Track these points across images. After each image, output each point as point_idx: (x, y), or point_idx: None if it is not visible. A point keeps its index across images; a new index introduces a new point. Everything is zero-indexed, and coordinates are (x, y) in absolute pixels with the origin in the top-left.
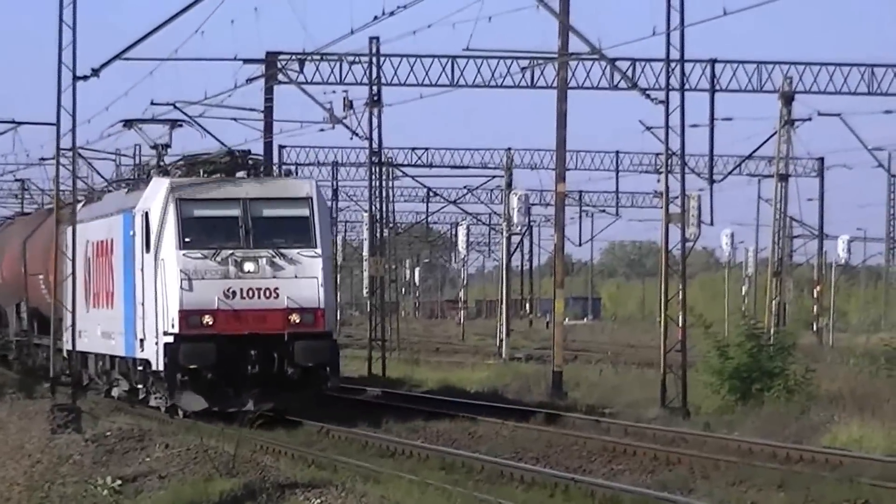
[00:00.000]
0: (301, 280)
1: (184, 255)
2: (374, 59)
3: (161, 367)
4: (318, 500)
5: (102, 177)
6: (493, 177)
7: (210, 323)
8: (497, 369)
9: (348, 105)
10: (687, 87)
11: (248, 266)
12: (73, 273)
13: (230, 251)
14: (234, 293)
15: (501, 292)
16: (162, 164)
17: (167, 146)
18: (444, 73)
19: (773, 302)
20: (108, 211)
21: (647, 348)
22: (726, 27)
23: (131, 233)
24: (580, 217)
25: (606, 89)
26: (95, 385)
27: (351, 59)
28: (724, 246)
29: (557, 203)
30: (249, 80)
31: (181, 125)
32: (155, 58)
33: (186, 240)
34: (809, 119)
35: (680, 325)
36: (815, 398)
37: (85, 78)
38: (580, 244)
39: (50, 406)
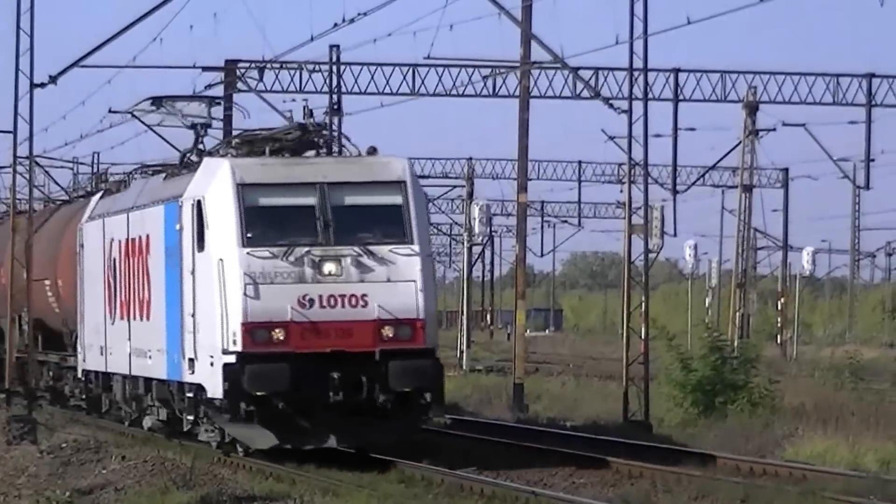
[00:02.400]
0: (395, 284)
1: (248, 253)
2: (335, 68)
3: (219, 395)
4: None
5: (59, 185)
6: (454, 186)
7: (282, 338)
8: (457, 381)
9: (308, 114)
10: (650, 96)
11: (329, 267)
12: (80, 277)
13: (306, 249)
14: (311, 301)
15: (462, 303)
16: (202, 146)
17: (207, 126)
18: (405, 82)
19: (737, 314)
20: (141, 202)
21: (609, 360)
22: (690, 36)
23: (177, 227)
24: (542, 227)
25: (569, 98)
26: (117, 412)
27: (311, 67)
28: (688, 257)
29: (519, 213)
30: (208, 88)
31: (219, 103)
32: (113, 65)
33: (251, 235)
34: (774, 129)
35: (642, 337)
36: (779, 411)
37: (42, 85)
38: (542, 255)
39: (6, 418)
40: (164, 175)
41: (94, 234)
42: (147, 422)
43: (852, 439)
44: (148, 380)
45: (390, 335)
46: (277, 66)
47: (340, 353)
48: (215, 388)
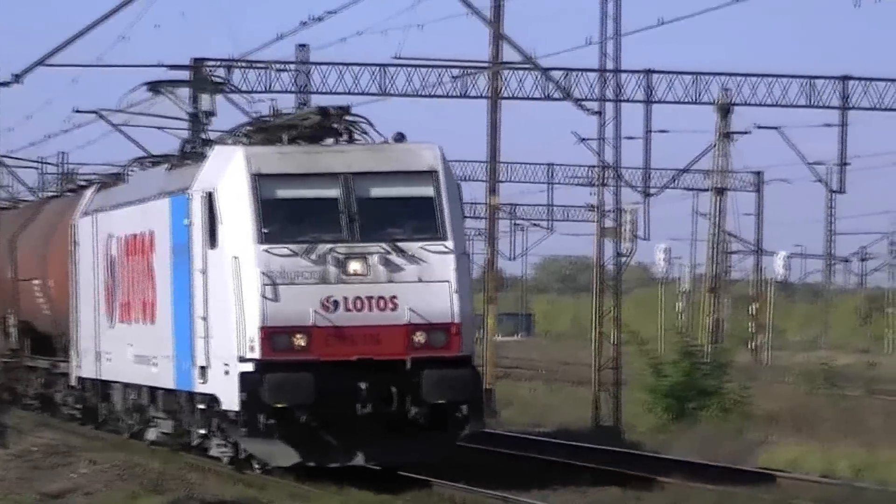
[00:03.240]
0: (427, 285)
1: (266, 251)
2: (303, 67)
3: (235, 407)
4: None
5: (25, 185)
6: None
7: (304, 345)
8: None
9: (275, 114)
10: (622, 98)
11: (355, 266)
12: (74, 276)
13: (329, 246)
14: (335, 303)
15: None
16: (205, 136)
17: (211, 113)
18: (374, 82)
19: (709, 319)
20: (144, 195)
21: (581, 366)
22: (663, 38)
23: (185, 221)
24: (512, 231)
25: (540, 100)
26: (115, 423)
27: (279, 66)
28: (660, 261)
29: (489, 216)
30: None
31: (223, 88)
32: (78, 64)
33: (269, 230)
34: (747, 132)
35: (613, 342)
36: (752, 418)
37: (6, 84)
38: (512, 258)
39: None
40: (167, 166)
41: (89, 231)
42: (150, 434)
43: (825, 446)
44: (153, 389)
45: (422, 341)
46: (245, 65)
47: (368, 361)
48: (231, 400)
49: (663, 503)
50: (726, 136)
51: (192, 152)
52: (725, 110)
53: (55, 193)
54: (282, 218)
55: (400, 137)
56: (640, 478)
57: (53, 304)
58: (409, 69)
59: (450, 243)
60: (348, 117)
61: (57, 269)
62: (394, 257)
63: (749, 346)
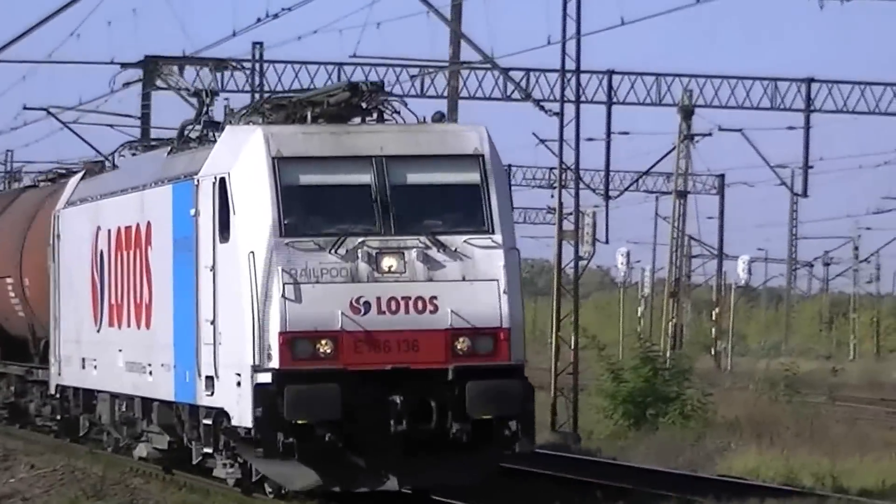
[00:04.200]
0: (472, 284)
1: (287, 245)
2: (258, 66)
3: (248, 423)
4: None
5: None
6: None
7: (329, 352)
8: None
9: (229, 112)
10: (583, 98)
11: (389, 262)
12: (55, 274)
13: (360, 239)
14: (366, 305)
15: None
16: (208, 116)
17: (215, 93)
18: (331, 81)
19: (670, 323)
20: (140, 182)
21: (538, 370)
22: (624, 38)
23: (191, 212)
24: None
25: (499, 100)
26: (98, 436)
27: (234, 64)
28: (620, 265)
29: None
30: (126, 85)
31: (227, 67)
32: (28, 60)
33: (291, 221)
34: (710, 134)
35: (572, 346)
36: (712, 424)
37: None
38: None
39: None
40: (168, 150)
41: (74, 223)
42: (141, 450)
43: (787, 453)
44: (147, 400)
45: (467, 348)
46: (198, 62)
47: (404, 370)
48: (243, 415)
49: None
50: (688, 138)
51: (200, 137)
52: (688, 112)
53: (31, 184)
54: (306, 207)
55: (440, 117)
56: (597, 485)
57: (29, 304)
58: (366, 68)
59: (498, 237)
60: (382, 94)
61: (34, 266)
62: (434, 253)
63: (710, 351)
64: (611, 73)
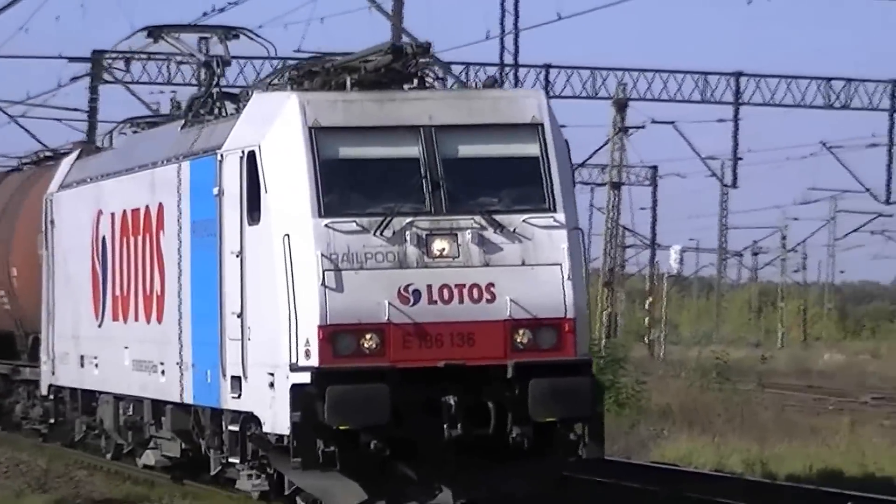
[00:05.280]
0: (533, 269)
1: (327, 226)
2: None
3: (284, 429)
4: None
5: None
6: None
7: (376, 348)
8: None
9: (175, 106)
10: None
11: (441, 245)
12: (48, 263)
13: (408, 219)
14: (416, 294)
15: None
16: (218, 88)
17: (226, 62)
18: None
19: (604, 313)
20: (148, 160)
21: None
22: (561, 33)
23: (215, 191)
24: None
25: None
26: (96, 440)
27: (179, 58)
28: None
29: None
30: (74, 79)
31: (237, 36)
32: None
33: (331, 200)
34: (643, 126)
35: None
36: (646, 412)
37: None
38: None
39: None
40: (181, 123)
41: (70, 207)
42: (148, 458)
43: (717, 440)
44: (158, 403)
45: (528, 341)
46: (145, 57)
47: (459, 367)
48: (277, 420)
49: (553, 498)
50: (622, 130)
51: (212, 109)
52: (622, 105)
53: (13, 167)
54: (347, 183)
55: (493, 82)
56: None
57: (16, 296)
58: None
59: (561, 216)
60: (429, 58)
61: (21, 256)
62: (490, 234)
63: (644, 340)
64: (547, 67)
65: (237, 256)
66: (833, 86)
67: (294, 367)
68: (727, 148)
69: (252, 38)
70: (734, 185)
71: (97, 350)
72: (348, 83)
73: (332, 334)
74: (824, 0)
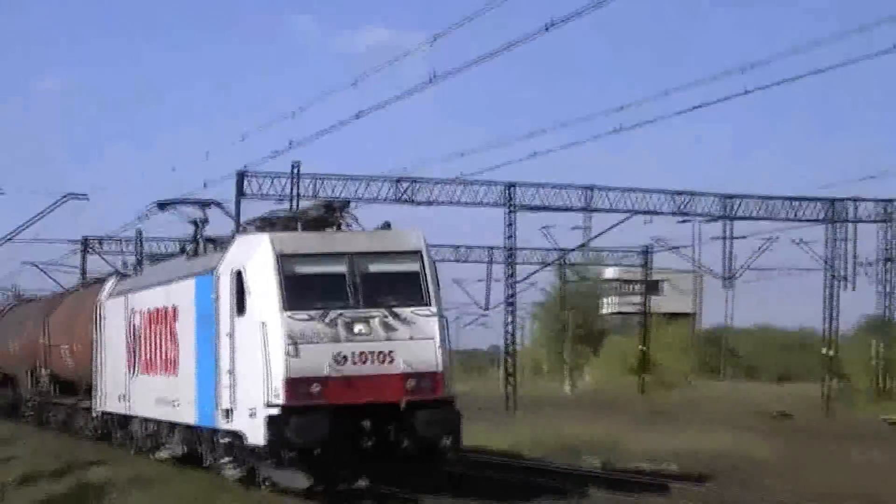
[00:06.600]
0: (417, 342)
1: (289, 316)
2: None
3: (261, 443)
4: None
5: None
6: None
7: (319, 392)
8: None
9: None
10: None
11: (359, 327)
12: (99, 339)
13: (339, 311)
14: (344, 358)
15: None
16: (200, 238)
17: (205, 221)
18: None
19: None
20: (166, 278)
21: None
22: None
23: (213, 296)
24: None
25: None
26: (124, 441)
27: (215, 203)
28: None
29: None
30: (74, 253)
31: (210, 206)
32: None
33: (291, 300)
34: None
35: None
36: None
37: None
38: None
39: None
40: (185, 256)
41: (113, 308)
42: (162, 454)
43: None
44: (172, 423)
45: (414, 387)
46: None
47: (372, 404)
48: (256, 437)
49: (433, 486)
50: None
51: (196, 248)
52: None
53: (75, 287)
54: (301, 289)
55: (386, 225)
56: None
57: (77, 360)
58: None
59: (434, 308)
60: (346, 212)
61: (80, 337)
62: (390, 320)
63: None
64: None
65: (229, 336)
66: None
67: (268, 404)
68: None
69: (220, 208)
70: None
71: (131, 391)
72: (299, 227)
73: (293, 384)
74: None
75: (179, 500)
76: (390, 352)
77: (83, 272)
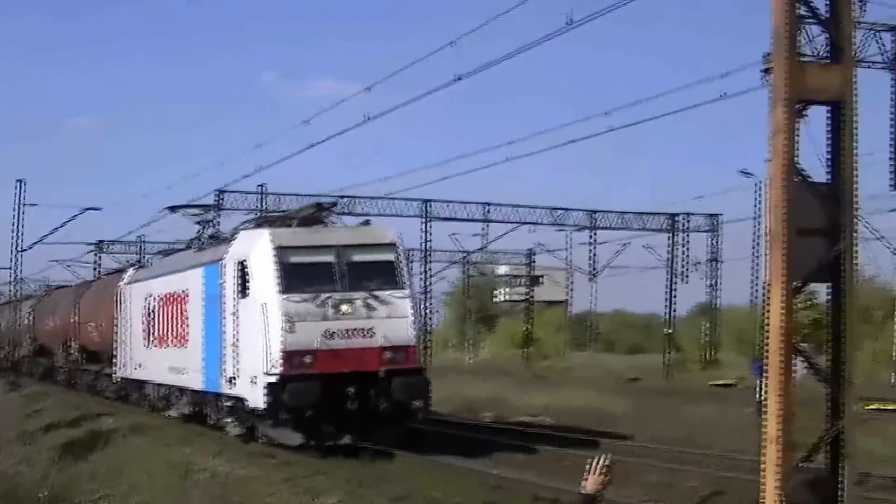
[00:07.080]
0: (393, 320)
1: (286, 299)
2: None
3: (261, 406)
4: None
5: None
6: None
7: (311, 362)
8: None
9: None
10: None
11: (345, 308)
12: (118, 320)
13: (327, 294)
14: (332, 334)
15: None
16: (205, 233)
17: (210, 222)
18: None
19: None
20: (177, 268)
21: None
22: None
23: (220, 281)
24: None
25: None
26: (140, 402)
27: (217, 207)
28: None
29: None
30: (88, 253)
31: (210, 209)
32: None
33: (287, 285)
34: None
35: None
36: None
37: None
38: None
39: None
40: (194, 249)
41: (133, 293)
42: (172, 412)
43: None
44: (182, 388)
45: (390, 358)
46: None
47: (356, 372)
48: (257, 401)
49: (406, 443)
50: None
51: (202, 243)
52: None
53: (98, 276)
54: (296, 276)
55: (366, 222)
56: None
57: (101, 335)
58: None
59: (407, 291)
60: (335, 211)
61: (104, 316)
62: (371, 301)
63: None
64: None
65: (233, 315)
66: None
67: (268, 373)
68: None
69: (217, 210)
70: None
71: (146, 361)
72: (294, 224)
73: (289, 356)
74: None
75: (168, 441)
76: (371, 328)
77: (98, 268)
